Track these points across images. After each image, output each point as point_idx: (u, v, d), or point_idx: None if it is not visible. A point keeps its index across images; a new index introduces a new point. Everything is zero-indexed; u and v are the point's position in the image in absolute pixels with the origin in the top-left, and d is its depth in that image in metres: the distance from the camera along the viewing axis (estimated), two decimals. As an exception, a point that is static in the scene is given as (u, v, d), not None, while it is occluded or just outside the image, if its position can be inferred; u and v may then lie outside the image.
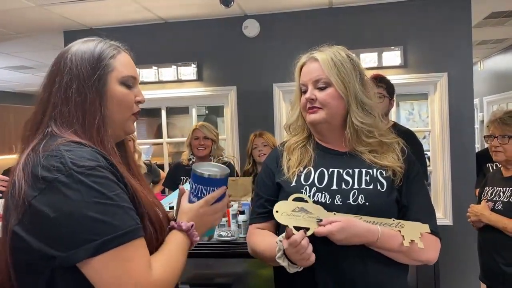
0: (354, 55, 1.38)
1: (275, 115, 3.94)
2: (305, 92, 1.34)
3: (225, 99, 4.08)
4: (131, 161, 1.15)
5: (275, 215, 1.22)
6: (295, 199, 1.25)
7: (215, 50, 4.03)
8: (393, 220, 1.26)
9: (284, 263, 1.19)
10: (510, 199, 2.24)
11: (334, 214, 1.23)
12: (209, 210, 1.11)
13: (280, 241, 1.20)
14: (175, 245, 1.03)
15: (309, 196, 1.28)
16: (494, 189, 2.37)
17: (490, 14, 4.21)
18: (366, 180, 1.29)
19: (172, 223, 1.08)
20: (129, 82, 1.06)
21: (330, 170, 1.33)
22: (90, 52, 1.03)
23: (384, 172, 1.31)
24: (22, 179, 0.89)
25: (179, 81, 4.05)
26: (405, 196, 1.32)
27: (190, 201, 1.13)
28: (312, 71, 1.32)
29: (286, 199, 1.30)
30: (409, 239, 1.23)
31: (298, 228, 1.18)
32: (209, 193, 1.12)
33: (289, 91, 3.93)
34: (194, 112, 4.33)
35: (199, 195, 1.12)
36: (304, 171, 1.34)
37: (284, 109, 4.00)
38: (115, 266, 0.86)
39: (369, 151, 1.33)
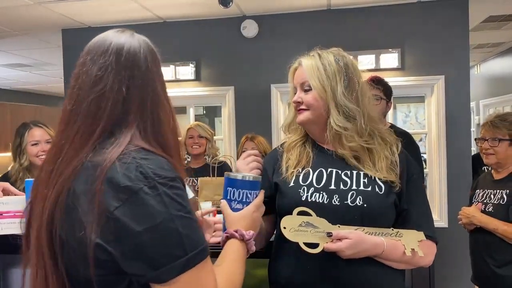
0: (349, 57, 1.39)
1: (272, 116, 3.95)
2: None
3: (222, 99, 4.09)
4: None
5: (283, 231, 1.22)
6: (300, 213, 1.25)
7: (214, 50, 4.04)
8: (392, 230, 1.28)
9: None
10: (501, 202, 2.26)
11: (339, 227, 1.23)
12: (260, 214, 1.12)
13: None
14: (235, 256, 1.01)
15: (307, 196, 1.29)
16: (485, 191, 2.39)
17: (487, 18, 4.24)
18: (364, 182, 1.30)
19: (231, 231, 1.04)
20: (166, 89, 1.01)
21: (329, 170, 1.34)
22: (146, 48, 0.98)
23: (381, 175, 1.31)
24: (95, 188, 0.81)
25: (177, 80, 4.05)
26: (405, 200, 1.33)
27: (234, 209, 1.11)
28: (299, 75, 1.37)
29: (284, 198, 1.31)
30: (410, 248, 1.25)
31: (307, 244, 1.20)
32: (254, 197, 1.12)
33: (287, 92, 3.93)
34: (191, 112, 4.33)
35: (243, 199, 1.10)
36: (303, 172, 1.35)
37: (281, 109, 4.01)
38: (195, 282, 0.82)
39: (353, 155, 1.34)
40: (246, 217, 1.09)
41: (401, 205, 1.32)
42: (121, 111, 0.89)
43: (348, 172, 1.32)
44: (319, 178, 1.33)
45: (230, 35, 3.99)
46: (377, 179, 1.31)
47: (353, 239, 1.20)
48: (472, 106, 6.64)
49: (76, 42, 4.20)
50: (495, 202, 2.30)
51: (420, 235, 1.28)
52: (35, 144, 2.53)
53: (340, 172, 1.33)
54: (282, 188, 1.36)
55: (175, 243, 0.80)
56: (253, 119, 3.94)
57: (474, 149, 4.65)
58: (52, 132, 2.59)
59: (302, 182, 1.33)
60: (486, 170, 3.06)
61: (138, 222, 0.79)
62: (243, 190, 1.10)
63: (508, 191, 2.25)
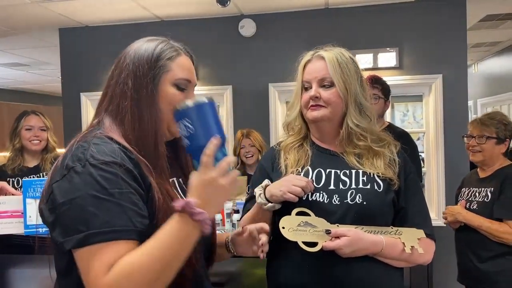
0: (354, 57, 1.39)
1: (270, 115, 3.95)
2: (307, 89, 1.34)
3: (220, 98, 4.08)
4: (184, 163, 1.14)
5: (282, 231, 1.22)
6: (298, 213, 1.25)
7: (211, 49, 4.03)
8: (391, 228, 1.28)
9: (263, 200, 1.28)
10: (485, 199, 2.28)
11: (337, 226, 1.23)
12: (230, 186, 0.91)
13: (261, 186, 1.30)
14: (161, 234, 0.87)
15: (307, 196, 1.28)
16: (471, 189, 2.41)
17: (485, 17, 4.24)
18: (363, 180, 1.30)
19: (180, 203, 0.89)
20: (182, 85, 1.06)
21: (328, 170, 1.33)
22: (150, 51, 1.06)
23: (380, 173, 1.31)
24: (57, 164, 0.96)
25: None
26: (403, 199, 1.33)
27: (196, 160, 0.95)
28: (318, 69, 1.32)
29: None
30: (410, 246, 1.26)
31: (306, 243, 1.21)
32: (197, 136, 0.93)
33: (285, 91, 3.94)
34: (189, 111, 4.32)
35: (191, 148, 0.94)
36: (302, 171, 1.33)
37: (280, 109, 4.00)
38: (86, 261, 0.84)
39: (355, 153, 1.34)
40: (195, 184, 0.91)
41: (399, 203, 1.32)
42: (115, 103, 1.03)
43: (347, 172, 1.32)
44: (318, 178, 1.32)
45: (228, 34, 3.99)
46: (376, 176, 1.31)
47: (351, 236, 1.19)
48: (469, 105, 6.65)
49: (73, 41, 4.21)
50: (479, 200, 2.32)
51: (420, 232, 1.29)
52: (29, 129, 2.70)
53: (339, 172, 1.32)
54: None
55: (81, 219, 0.86)
56: (251, 118, 3.93)
57: (471, 148, 4.66)
58: (48, 122, 2.68)
59: None
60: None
61: (61, 195, 0.89)
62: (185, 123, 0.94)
63: (492, 189, 2.27)
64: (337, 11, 3.82)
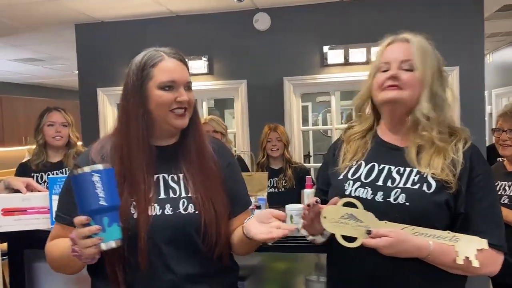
0: None
1: (285, 109, 3.96)
2: (385, 71, 1.29)
3: (235, 92, 4.10)
4: (193, 156, 1.29)
5: (323, 221, 1.19)
6: (346, 204, 1.20)
7: (226, 43, 4.04)
8: (448, 233, 1.18)
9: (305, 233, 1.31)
10: None
11: (385, 223, 1.18)
12: (77, 234, 1.08)
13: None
14: (60, 245, 1.23)
15: (351, 191, 1.26)
16: (499, 183, 2.35)
17: (502, 7, 4.18)
18: (414, 180, 1.23)
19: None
20: (166, 87, 1.23)
21: (381, 165, 1.29)
22: (138, 62, 1.25)
23: (435, 173, 1.23)
24: None
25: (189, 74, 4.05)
26: (463, 203, 1.21)
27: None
28: (401, 51, 1.29)
29: (333, 192, 1.29)
30: (463, 256, 1.16)
31: (345, 237, 1.17)
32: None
33: (300, 85, 3.94)
34: (204, 105, 4.35)
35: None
36: (355, 165, 1.31)
37: (295, 102, 4.01)
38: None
39: (417, 145, 1.27)
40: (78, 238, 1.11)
41: (457, 208, 1.21)
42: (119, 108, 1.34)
43: (401, 169, 1.27)
44: (369, 173, 1.29)
45: (242, 28, 3.99)
46: (429, 177, 1.23)
47: (393, 238, 1.14)
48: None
49: (89, 37, 4.25)
50: (510, 194, 2.27)
51: (482, 243, 1.17)
52: (51, 125, 2.74)
53: (392, 168, 1.28)
54: (332, 180, 1.34)
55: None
56: (265, 112, 3.95)
57: (487, 139, 4.62)
58: (69, 118, 2.72)
59: (351, 176, 1.30)
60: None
61: None
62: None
63: None
64: (353, 4, 3.80)
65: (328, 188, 1.36)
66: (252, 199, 2.19)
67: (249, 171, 2.96)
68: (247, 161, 3.50)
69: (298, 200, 3.16)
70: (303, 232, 1.29)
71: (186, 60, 1.32)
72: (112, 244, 1.07)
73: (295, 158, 3.69)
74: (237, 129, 4.15)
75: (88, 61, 4.32)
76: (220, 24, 4.03)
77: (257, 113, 3.99)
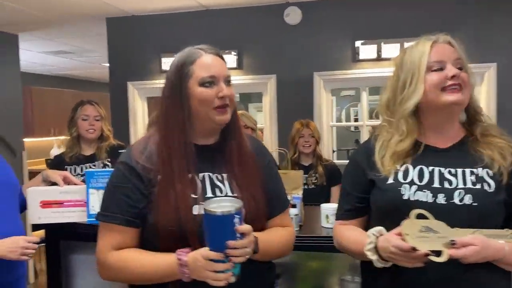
0: None
1: (314, 104, 3.92)
2: (437, 70, 1.24)
3: (264, 87, 4.07)
4: (235, 156, 1.27)
5: (407, 238, 1.11)
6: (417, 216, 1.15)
7: (256, 38, 4.02)
8: (507, 231, 1.17)
9: (373, 257, 1.17)
10: None
11: (457, 230, 1.13)
12: (205, 265, 1.09)
13: (373, 234, 1.17)
14: (151, 261, 1.16)
15: (409, 195, 1.21)
16: None
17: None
18: (471, 180, 1.21)
19: (180, 251, 1.13)
20: (207, 82, 1.22)
21: (430, 168, 1.25)
22: (176, 62, 1.25)
23: (490, 171, 1.22)
24: None
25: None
26: None
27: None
28: (451, 50, 1.27)
29: (381, 197, 1.25)
30: None
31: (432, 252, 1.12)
32: (209, 238, 1.09)
33: (330, 80, 3.89)
34: (233, 100, 4.34)
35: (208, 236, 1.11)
36: (402, 168, 1.26)
37: (325, 98, 3.96)
38: (99, 233, 1.24)
39: (473, 141, 1.28)
40: (194, 255, 1.12)
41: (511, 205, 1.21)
42: (161, 110, 1.32)
43: (452, 170, 1.24)
44: (420, 176, 1.24)
45: (273, 22, 3.96)
46: (485, 176, 1.22)
47: (479, 246, 1.10)
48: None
49: (120, 31, 4.28)
50: None
51: None
52: (85, 119, 2.76)
53: (443, 170, 1.24)
54: (379, 185, 1.27)
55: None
56: (294, 108, 3.91)
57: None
58: (102, 111, 2.75)
59: (402, 179, 1.24)
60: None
61: None
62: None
63: None
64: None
65: (366, 195, 1.31)
66: (288, 197, 2.17)
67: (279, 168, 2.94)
68: (275, 157, 3.47)
69: (328, 197, 3.13)
70: (379, 264, 1.19)
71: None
72: (233, 279, 1.11)
73: (324, 155, 3.65)
74: (265, 124, 4.13)
75: (119, 55, 4.35)
76: (251, 18, 4.00)
77: (286, 109, 3.96)
